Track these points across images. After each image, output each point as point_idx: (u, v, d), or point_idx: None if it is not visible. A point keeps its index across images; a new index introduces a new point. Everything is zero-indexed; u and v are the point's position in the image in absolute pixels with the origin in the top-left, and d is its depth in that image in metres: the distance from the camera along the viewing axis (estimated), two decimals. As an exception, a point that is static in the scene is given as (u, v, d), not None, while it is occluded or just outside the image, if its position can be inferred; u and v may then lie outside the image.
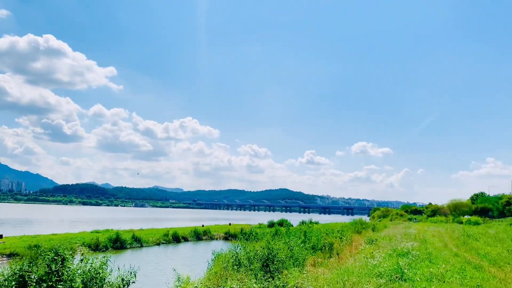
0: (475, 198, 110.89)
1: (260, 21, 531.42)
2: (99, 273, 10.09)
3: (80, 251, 34.10)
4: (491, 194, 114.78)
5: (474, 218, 72.48)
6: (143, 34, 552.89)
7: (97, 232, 43.59)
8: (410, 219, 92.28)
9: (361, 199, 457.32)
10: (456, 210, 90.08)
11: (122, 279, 10.53)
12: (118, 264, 11.56)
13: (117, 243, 36.89)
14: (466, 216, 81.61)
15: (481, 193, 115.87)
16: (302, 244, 21.58)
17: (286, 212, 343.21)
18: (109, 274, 10.55)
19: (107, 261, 10.71)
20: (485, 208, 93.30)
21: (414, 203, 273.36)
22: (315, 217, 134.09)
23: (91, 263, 10.34)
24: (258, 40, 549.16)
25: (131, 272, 10.91)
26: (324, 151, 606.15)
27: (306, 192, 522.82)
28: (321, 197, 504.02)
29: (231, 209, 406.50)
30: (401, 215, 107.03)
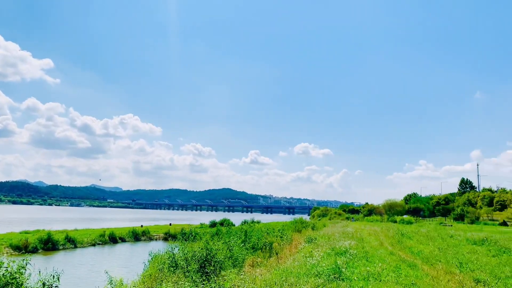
0: (408, 198, 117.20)
1: (205, 20, 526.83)
2: (15, 278, 9.06)
3: (7, 253, 31.86)
4: (423, 195, 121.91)
5: (407, 217, 76.35)
6: (84, 26, 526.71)
7: (26, 232, 41.07)
8: (348, 218, 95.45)
9: (302, 198, 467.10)
10: (391, 210, 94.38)
11: (44, 284, 9.56)
12: (48, 267, 10.56)
13: (49, 244, 35.10)
14: (400, 216, 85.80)
15: (414, 193, 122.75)
16: (242, 244, 21.35)
17: (229, 212, 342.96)
18: (28, 279, 9.51)
19: (26, 264, 9.64)
20: (417, 208, 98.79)
21: (352, 202, 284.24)
22: (258, 216, 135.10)
23: (6, 267, 9.27)
24: (203, 38, 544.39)
25: (53, 276, 9.93)
26: (267, 151, 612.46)
27: (249, 192, 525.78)
28: (264, 197, 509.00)
29: (173, 209, 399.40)
30: (340, 214, 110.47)
